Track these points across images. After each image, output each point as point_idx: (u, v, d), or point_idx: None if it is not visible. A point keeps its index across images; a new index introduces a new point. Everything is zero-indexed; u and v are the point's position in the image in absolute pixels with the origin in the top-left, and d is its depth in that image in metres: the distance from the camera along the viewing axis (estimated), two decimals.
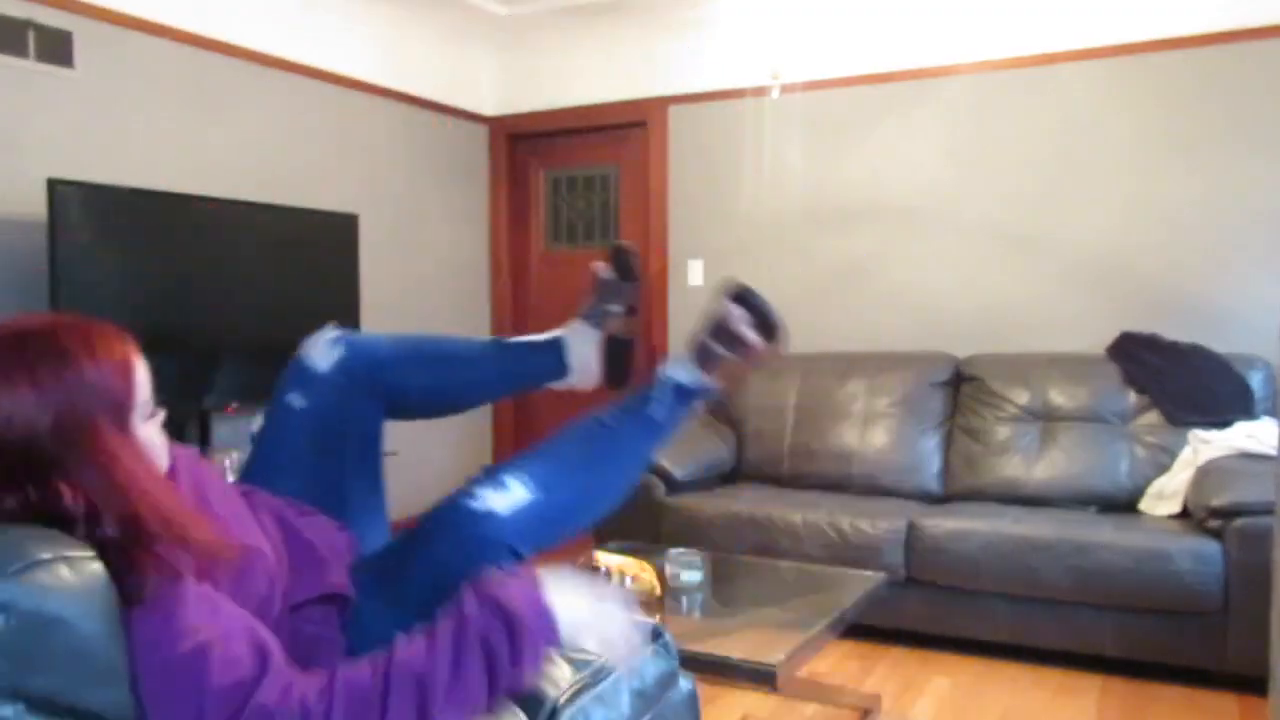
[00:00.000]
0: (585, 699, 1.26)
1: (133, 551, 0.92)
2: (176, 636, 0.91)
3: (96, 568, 0.88)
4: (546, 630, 1.04)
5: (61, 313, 1.04)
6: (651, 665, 1.44)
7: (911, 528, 3.12)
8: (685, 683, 1.53)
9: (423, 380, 1.65)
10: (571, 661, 1.30)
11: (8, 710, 0.82)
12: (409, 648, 1.00)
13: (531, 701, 1.18)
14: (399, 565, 1.35)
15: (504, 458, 5.08)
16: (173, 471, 1.11)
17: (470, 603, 1.03)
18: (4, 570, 0.82)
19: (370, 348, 1.61)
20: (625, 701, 1.33)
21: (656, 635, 1.50)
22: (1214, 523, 2.78)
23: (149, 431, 1.06)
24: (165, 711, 0.90)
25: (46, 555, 0.85)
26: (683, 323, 4.52)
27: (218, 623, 0.94)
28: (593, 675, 1.30)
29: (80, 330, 0.99)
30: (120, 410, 0.98)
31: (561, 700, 1.21)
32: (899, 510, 3.27)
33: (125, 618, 0.90)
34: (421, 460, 4.52)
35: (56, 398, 0.93)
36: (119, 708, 0.90)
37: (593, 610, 1.10)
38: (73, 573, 0.86)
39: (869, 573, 2.72)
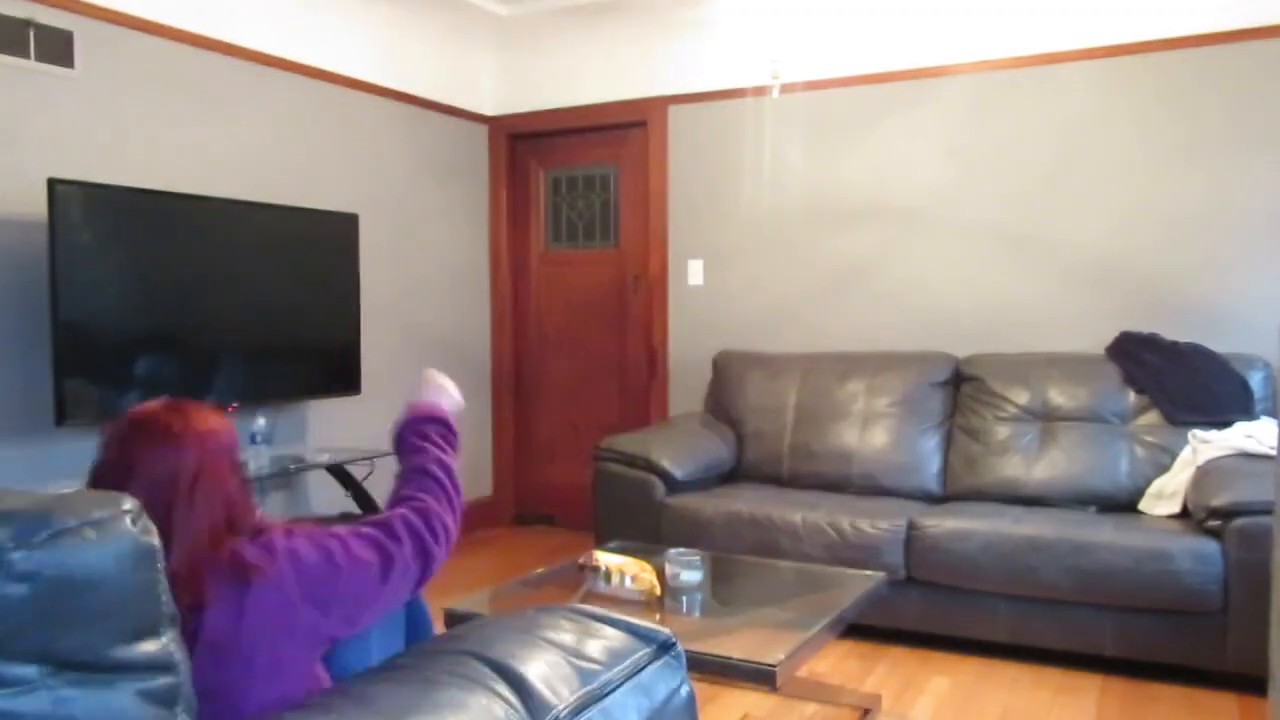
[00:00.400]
0: (591, 712, 1.23)
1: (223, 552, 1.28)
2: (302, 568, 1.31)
3: (125, 524, 0.92)
4: (446, 417, 1.65)
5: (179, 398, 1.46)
6: (663, 682, 1.41)
7: (911, 527, 3.12)
8: (684, 686, 1.52)
9: None
10: (578, 670, 1.27)
11: (31, 670, 0.85)
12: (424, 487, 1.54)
13: (535, 708, 1.17)
14: None
15: (504, 459, 5.07)
16: None
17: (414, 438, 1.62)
18: (29, 540, 0.85)
19: None
20: (633, 718, 1.30)
21: (668, 647, 1.47)
22: (1214, 523, 2.79)
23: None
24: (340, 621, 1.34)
25: (72, 522, 0.88)
26: (683, 322, 4.53)
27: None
28: (601, 687, 1.27)
29: (204, 409, 1.41)
30: (236, 459, 1.40)
31: (564, 711, 1.19)
32: (899, 510, 3.27)
33: (244, 596, 1.24)
34: None
35: (202, 447, 1.33)
36: (156, 657, 0.94)
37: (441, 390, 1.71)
38: (100, 534, 0.89)
39: (869, 572, 2.72)
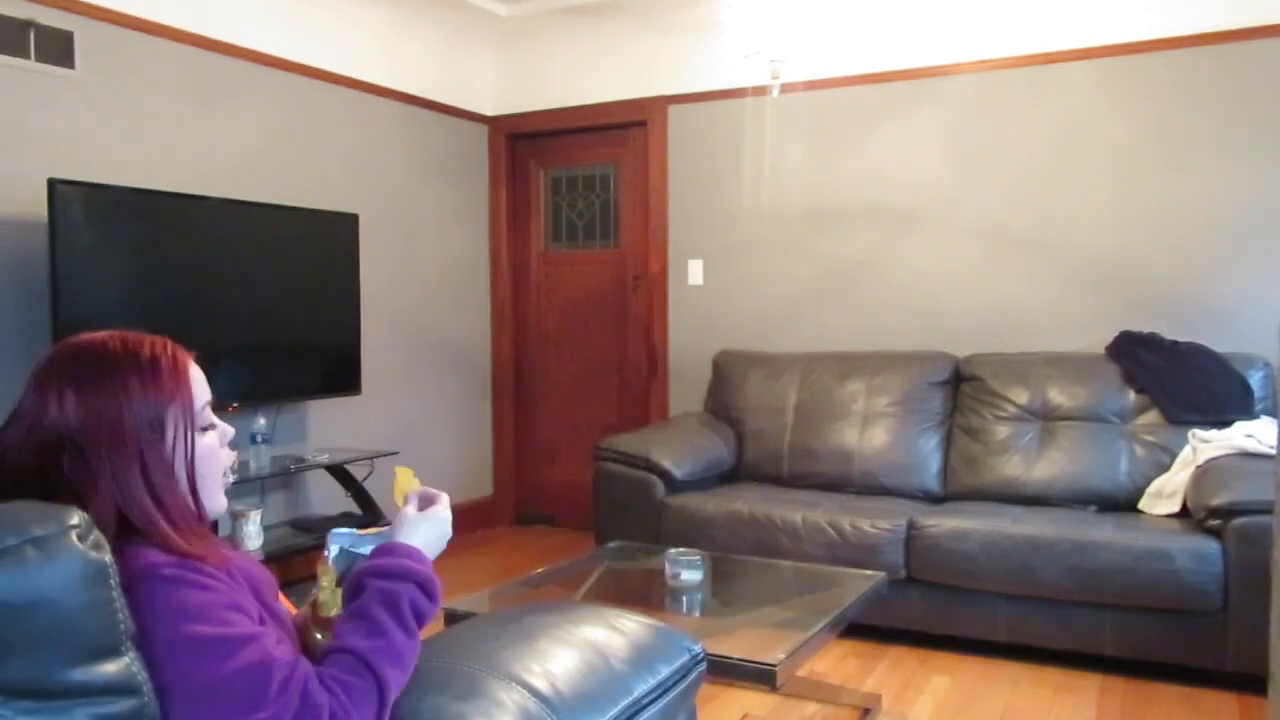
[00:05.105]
0: None
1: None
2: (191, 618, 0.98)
3: (70, 540, 0.86)
4: (429, 569, 1.21)
5: (127, 330, 1.17)
6: (685, 700, 1.39)
7: (911, 527, 3.12)
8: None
9: None
10: (616, 676, 1.25)
11: None
12: (365, 639, 1.09)
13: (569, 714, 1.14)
14: None
15: (504, 459, 5.07)
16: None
17: (384, 584, 1.15)
18: None
19: None
20: None
21: (700, 660, 1.44)
22: (1213, 522, 2.79)
23: (203, 440, 1.14)
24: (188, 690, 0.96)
25: (11, 540, 0.84)
26: (683, 322, 4.53)
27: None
28: (637, 700, 1.26)
29: (133, 344, 1.12)
30: (158, 422, 1.08)
31: None
32: (899, 510, 3.27)
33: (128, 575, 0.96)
34: (422, 460, 4.52)
35: (96, 401, 1.05)
36: (116, 679, 0.88)
37: (432, 535, 1.26)
38: (41, 553, 0.84)
39: (869, 572, 2.73)
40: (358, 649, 1.06)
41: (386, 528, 1.29)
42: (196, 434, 1.12)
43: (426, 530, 1.24)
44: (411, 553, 1.19)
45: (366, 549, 1.25)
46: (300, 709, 0.96)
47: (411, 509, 1.28)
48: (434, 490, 1.31)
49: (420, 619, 1.14)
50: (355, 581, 1.15)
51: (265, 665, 0.97)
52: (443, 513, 1.28)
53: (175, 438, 1.09)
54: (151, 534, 1.03)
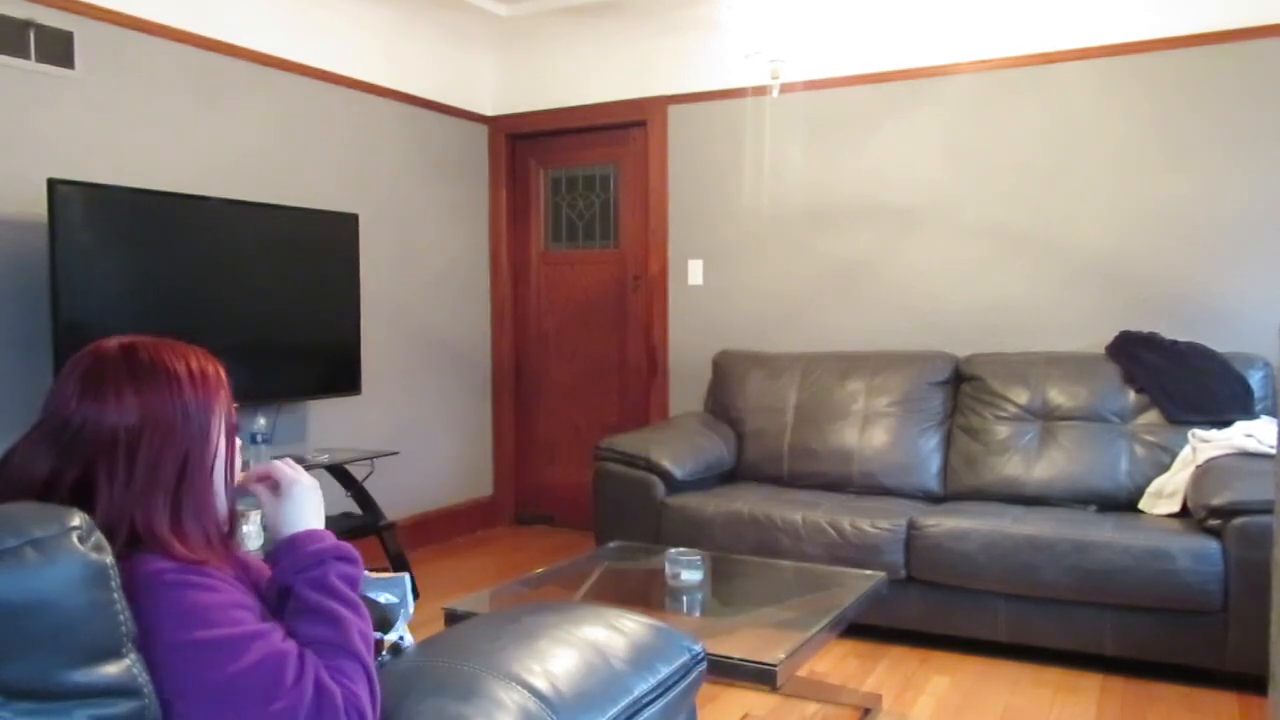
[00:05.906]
0: None
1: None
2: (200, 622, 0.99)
3: (70, 541, 0.87)
4: (332, 540, 1.20)
5: (163, 336, 1.22)
6: (685, 700, 1.39)
7: (911, 527, 3.12)
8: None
9: None
10: (615, 676, 1.25)
11: None
12: (324, 627, 1.10)
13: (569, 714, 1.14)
14: None
15: (504, 459, 5.06)
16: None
17: (307, 575, 1.15)
18: None
19: None
20: None
21: (700, 660, 1.45)
22: (1214, 522, 2.79)
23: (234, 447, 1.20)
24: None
25: (12, 542, 0.84)
26: (683, 322, 4.53)
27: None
28: (638, 699, 1.26)
29: (180, 349, 1.18)
30: (205, 427, 1.13)
31: None
32: (899, 510, 3.27)
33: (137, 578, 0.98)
34: (422, 460, 4.52)
35: (150, 401, 1.09)
36: (117, 681, 0.89)
37: (306, 508, 1.24)
38: (41, 555, 0.84)
39: (869, 572, 2.73)
40: (324, 637, 1.08)
41: (395, 574, 1.29)
42: (235, 440, 1.18)
43: (293, 510, 1.22)
44: (309, 537, 1.18)
45: (376, 595, 1.26)
46: (315, 696, 0.99)
47: (267, 501, 1.23)
48: (266, 466, 1.26)
49: (353, 586, 1.16)
50: (278, 587, 1.14)
51: (278, 658, 1.00)
52: (299, 480, 1.23)
53: (217, 443, 1.14)
54: (152, 541, 1.04)
